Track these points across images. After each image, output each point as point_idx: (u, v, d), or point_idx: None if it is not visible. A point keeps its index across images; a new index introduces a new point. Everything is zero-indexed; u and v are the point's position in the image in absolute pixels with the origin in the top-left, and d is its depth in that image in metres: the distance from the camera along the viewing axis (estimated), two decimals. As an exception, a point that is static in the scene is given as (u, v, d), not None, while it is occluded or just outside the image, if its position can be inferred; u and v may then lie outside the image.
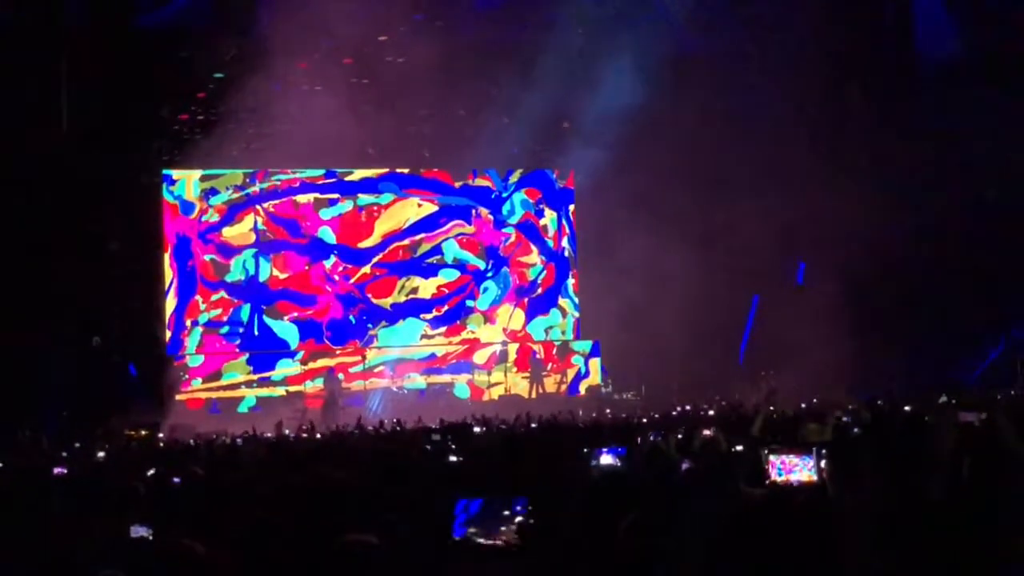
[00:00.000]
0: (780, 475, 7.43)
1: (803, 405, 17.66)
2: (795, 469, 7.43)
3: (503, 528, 6.31)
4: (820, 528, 3.89)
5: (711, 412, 19.05)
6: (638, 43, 24.81)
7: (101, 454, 15.11)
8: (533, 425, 16.63)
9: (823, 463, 7.18)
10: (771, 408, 10.91)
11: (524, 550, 6.15)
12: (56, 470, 11.58)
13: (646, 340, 24.71)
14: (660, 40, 24.64)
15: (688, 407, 20.56)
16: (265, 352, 26.29)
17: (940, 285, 23.79)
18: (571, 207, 29.28)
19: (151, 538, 6.09)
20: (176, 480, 8.79)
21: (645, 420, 17.31)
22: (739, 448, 9.21)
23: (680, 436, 10.28)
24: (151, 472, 10.70)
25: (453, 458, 10.32)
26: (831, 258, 24.39)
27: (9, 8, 22.87)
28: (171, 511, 6.85)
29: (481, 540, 6.32)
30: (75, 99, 23.60)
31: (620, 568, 3.64)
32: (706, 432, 9.21)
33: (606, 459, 8.87)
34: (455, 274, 28.15)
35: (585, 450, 9.44)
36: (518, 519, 6.25)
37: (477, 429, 15.34)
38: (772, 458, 7.53)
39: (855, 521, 4.12)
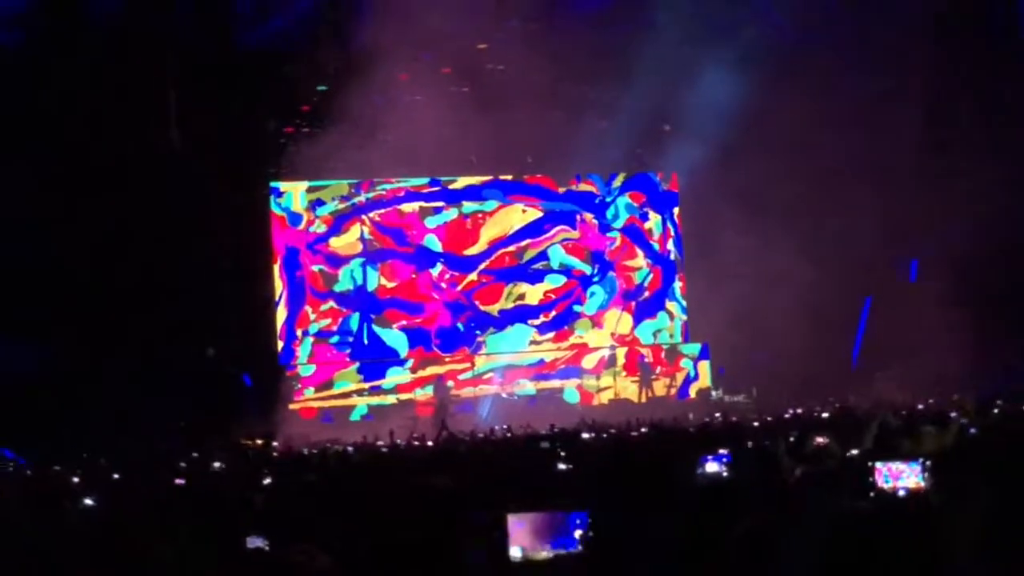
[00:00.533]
0: (887, 482, 7.23)
1: (920, 407, 17.24)
2: (902, 475, 7.23)
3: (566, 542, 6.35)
4: (926, 541, 3.78)
5: (824, 414, 18.73)
6: (739, 39, 24.53)
7: (217, 464, 15.36)
8: (643, 430, 16.52)
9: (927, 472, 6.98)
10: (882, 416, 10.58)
11: (590, 562, 6.16)
12: (177, 481, 11.83)
13: (756, 342, 24.45)
14: (762, 34, 24.35)
15: (800, 410, 20.22)
16: (375, 361, 26.54)
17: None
18: (675, 210, 29.08)
19: (267, 548, 6.14)
20: (292, 490, 8.90)
21: (756, 424, 17.07)
22: (854, 452, 9.04)
23: (792, 440, 10.12)
24: (267, 482, 10.87)
25: (563, 466, 10.28)
26: (945, 254, 23.84)
27: (121, 25, 23.36)
28: (287, 521, 6.92)
29: (543, 554, 6.37)
30: (183, 115, 24.10)
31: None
32: (819, 440, 9.05)
33: (711, 467, 8.75)
34: (561, 279, 28.14)
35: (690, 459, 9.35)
36: (578, 532, 6.29)
37: (585, 435, 15.27)
38: (879, 465, 7.33)
39: (961, 534, 3.98)
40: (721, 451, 8.85)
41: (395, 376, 26.48)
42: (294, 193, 26.71)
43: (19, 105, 22.36)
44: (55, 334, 22.16)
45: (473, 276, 27.55)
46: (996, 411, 13.07)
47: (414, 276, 27.15)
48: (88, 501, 9.56)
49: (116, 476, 14.15)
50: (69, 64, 22.57)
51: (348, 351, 26.68)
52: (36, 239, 22.16)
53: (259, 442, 20.33)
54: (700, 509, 4.55)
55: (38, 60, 22.49)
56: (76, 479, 13.62)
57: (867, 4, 24.71)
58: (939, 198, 22.60)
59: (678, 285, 28.95)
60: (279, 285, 26.43)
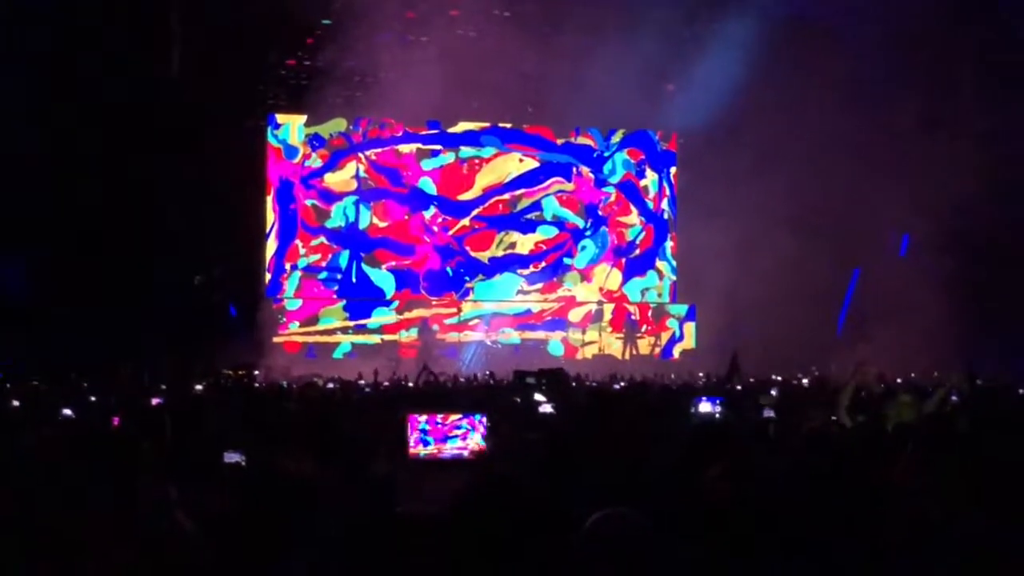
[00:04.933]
0: None
1: (898, 380, 17.30)
2: None
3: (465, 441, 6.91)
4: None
5: (804, 381, 18.80)
6: (749, 6, 24.37)
7: (199, 387, 15.40)
8: (623, 383, 16.59)
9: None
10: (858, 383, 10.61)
11: (486, 460, 6.68)
12: (154, 401, 11.82)
13: (743, 307, 24.42)
14: (773, 4, 24.20)
15: (780, 377, 20.27)
16: (362, 299, 26.50)
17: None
18: (672, 169, 29.04)
19: (243, 463, 6.25)
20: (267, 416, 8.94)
21: (740, 387, 17.10)
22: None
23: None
24: (243, 409, 10.87)
25: (548, 408, 10.32)
26: (938, 232, 23.81)
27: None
28: (262, 442, 6.96)
29: (444, 454, 6.90)
30: (186, 41, 23.89)
31: (706, 513, 3.58)
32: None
33: (705, 407, 8.97)
34: (553, 231, 28.10)
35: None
36: (480, 434, 6.88)
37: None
38: None
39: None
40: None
41: (381, 316, 26.49)
42: (292, 126, 26.57)
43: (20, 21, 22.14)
44: (44, 252, 22.06)
45: (466, 221, 27.49)
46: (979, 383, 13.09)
47: (407, 217, 27.08)
48: (67, 412, 9.58)
49: (93, 398, 14.15)
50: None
51: (335, 288, 26.64)
52: (31, 159, 22.01)
53: (240, 372, 20.32)
54: (691, 444, 4.59)
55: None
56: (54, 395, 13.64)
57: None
58: (933, 177, 22.55)
59: (669, 245, 28.96)
60: (271, 217, 26.35)
